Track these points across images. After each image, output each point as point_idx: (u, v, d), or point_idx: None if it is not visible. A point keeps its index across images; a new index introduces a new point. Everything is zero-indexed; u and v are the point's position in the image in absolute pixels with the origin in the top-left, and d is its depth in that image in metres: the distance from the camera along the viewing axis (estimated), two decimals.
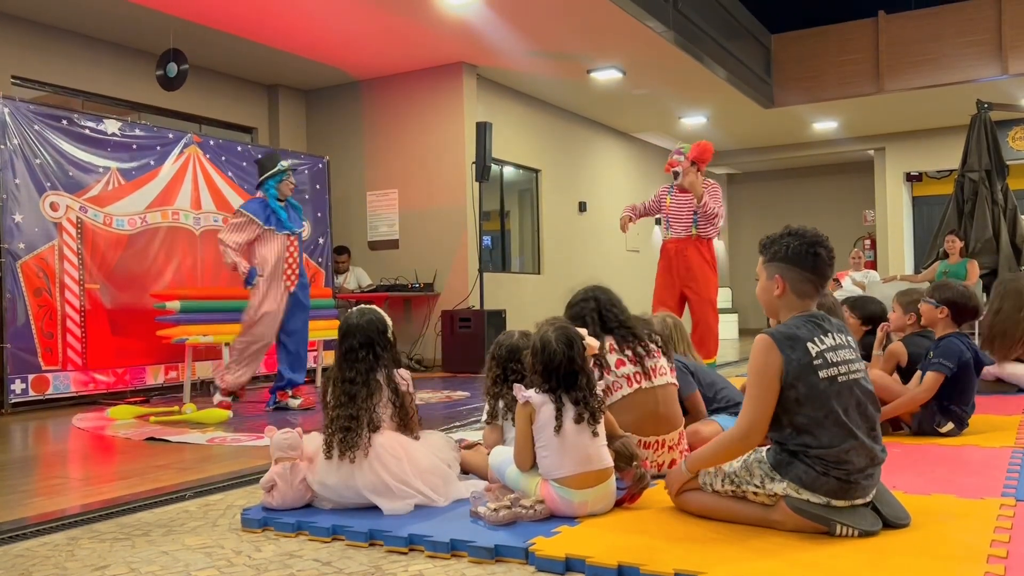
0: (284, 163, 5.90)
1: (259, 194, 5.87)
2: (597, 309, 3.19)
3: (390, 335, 3.05)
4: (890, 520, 2.38)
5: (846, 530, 2.30)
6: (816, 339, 2.37)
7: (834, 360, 2.37)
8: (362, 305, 3.16)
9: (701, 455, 2.52)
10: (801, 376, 2.32)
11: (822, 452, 2.31)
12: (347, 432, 2.83)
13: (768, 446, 2.46)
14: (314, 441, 2.96)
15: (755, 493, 2.42)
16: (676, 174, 6.00)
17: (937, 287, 4.25)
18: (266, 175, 5.82)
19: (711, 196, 5.96)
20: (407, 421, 3.00)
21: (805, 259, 2.43)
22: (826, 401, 2.32)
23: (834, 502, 2.32)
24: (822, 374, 2.33)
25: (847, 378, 2.38)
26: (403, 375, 3.06)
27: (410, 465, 2.83)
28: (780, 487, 2.36)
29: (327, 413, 2.92)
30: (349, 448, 2.80)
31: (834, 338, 2.41)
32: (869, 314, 4.85)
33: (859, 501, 2.36)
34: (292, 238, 5.88)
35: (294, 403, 5.83)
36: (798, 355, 2.33)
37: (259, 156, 6.12)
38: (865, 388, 2.43)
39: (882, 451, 2.41)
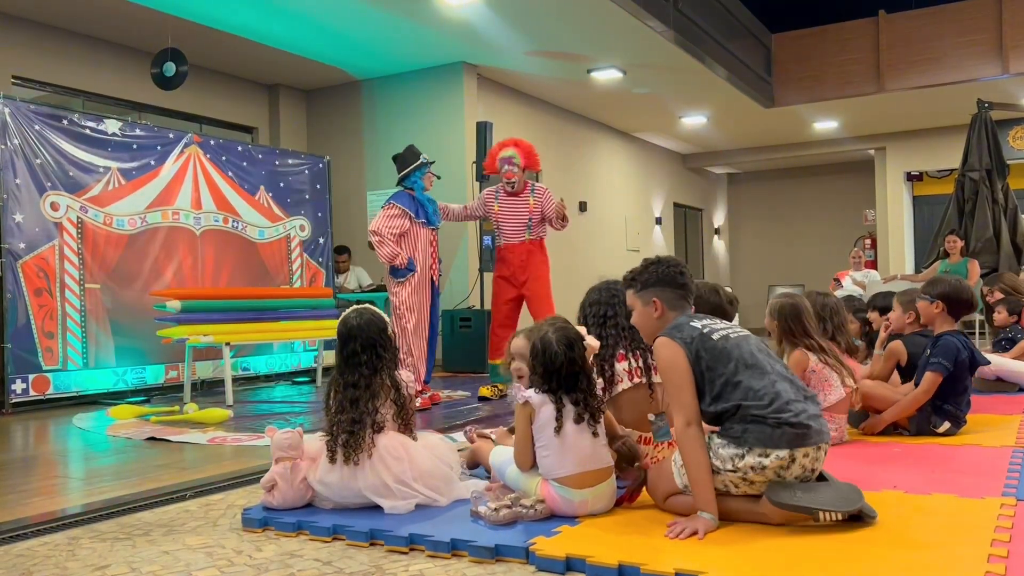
0: (425, 155, 5.86)
1: (403, 188, 5.80)
2: (623, 304, 3.12)
3: (390, 333, 3.02)
4: (863, 512, 2.44)
5: (829, 516, 2.37)
6: (694, 321, 2.64)
7: (717, 327, 2.63)
8: (357, 305, 3.10)
9: (696, 487, 2.44)
10: (700, 346, 2.55)
11: (755, 400, 2.45)
12: (351, 436, 2.80)
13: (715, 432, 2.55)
14: (316, 441, 2.94)
15: (736, 484, 2.46)
16: (512, 184, 6.04)
17: (930, 283, 4.23)
18: (410, 168, 5.77)
19: (546, 199, 6.06)
20: (408, 422, 2.98)
21: (675, 279, 2.74)
22: (730, 352, 2.54)
23: (798, 455, 2.41)
24: (715, 336, 2.58)
25: (737, 335, 2.63)
26: (405, 376, 3.04)
27: (411, 467, 2.82)
28: (751, 459, 2.42)
29: (329, 418, 2.89)
30: (353, 451, 2.79)
31: (704, 319, 2.68)
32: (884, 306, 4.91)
33: (816, 446, 2.45)
34: (435, 232, 5.90)
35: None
36: (688, 333, 2.58)
37: (396, 153, 6.00)
38: (759, 342, 2.67)
39: (803, 386, 2.62)
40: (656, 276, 2.74)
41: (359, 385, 2.88)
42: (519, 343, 2.98)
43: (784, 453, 2.41)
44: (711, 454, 2.48)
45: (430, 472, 2.86)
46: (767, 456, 2.41)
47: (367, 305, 3.09)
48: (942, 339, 3.95)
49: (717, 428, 2.54)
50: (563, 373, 2.66)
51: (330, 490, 2.82)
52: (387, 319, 3.05)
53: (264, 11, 7.42)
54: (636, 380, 3.08)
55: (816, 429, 2.47)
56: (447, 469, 2.93)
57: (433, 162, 6.00)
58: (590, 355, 2.80)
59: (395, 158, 6.04)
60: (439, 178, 6.12)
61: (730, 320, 3.42)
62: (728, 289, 3.70)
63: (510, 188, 6.05)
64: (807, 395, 2.57)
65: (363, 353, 2.91)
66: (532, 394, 2.67)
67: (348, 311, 3.05)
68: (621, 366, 3.09)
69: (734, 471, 2.45)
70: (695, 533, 2.35)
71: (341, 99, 9.84)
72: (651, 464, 2.95)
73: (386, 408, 2.91)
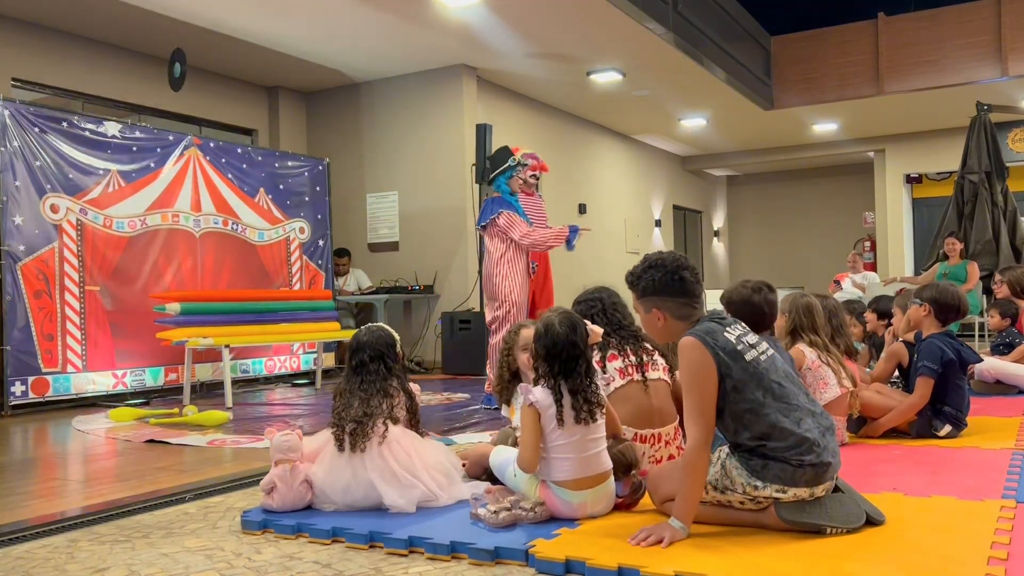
0: (515, 157, 5.83)
1: (494, 193, 5.81)
2: (602, 309, 3.25)
3: (399, 349, 3.12)
4: (871, 517, 2.44)
5: (835, 531, 2.37)
6: (727, 329, 2.47)
7: (750, 342, 2.48)
8: (369, 324, 3.22)
9: (684, 500, 2.39)
10: (731, 364, 2.39)
11: (779, 441, 2.36)
12: (359, 425, 2.86)
13: (727, 445, 2.50)
14: (316, 440, 2.99)
15: (741, 503, 2.44)
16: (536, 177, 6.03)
17: (923, 287, 4.27)
18: (498, 170, 5.79)
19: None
20: (417, 426, 3.07)
21: (674, 287, 2.52)
22: (760, 380, 2.40)
23: (817, 491, 2.39)
24: (747, 356, 2.43)
25: (766, 356, 2.48)
26: (414, 388, 3.14)
27: (419, 458, 2.89)
28: (766, 491, 2.39)
29: (335, 414, 2.95)
30: (360, 439, 2.84)
31: (737, 327, 2.52)
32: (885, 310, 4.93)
33: (831, 484, 2.44)
34: None
35: None
36: (722, 344, 2.41)
37: (489, 156, 6.02)
38: (784, 366, 2.54)
39: (823, 414, 2.50)
40: (654, 284, 2.53)
41: (368, 390, 2.95)
42: (527, 333, 3.05)
43: (804, 492, 2.38)
44: (723, 471, 2.43)
45: (435, 466, 2.92)
46: (785, 492, 2.38)
47: (380, 323, 3.22)
48: (925, 343, 3.98)
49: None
50: (564, 356, 2.66)
51: (335, 481, 2.83)
52: (396, 336, 3.15)
53: (264, 13, 7.42)
54: (629, 377, 3.09)
55: (835, 464, 2.43)
56: (450, 467, 3.00)
57: (518, 164, 5.86)
58: (593, 341, 2.82)
59: (489, 158, 6.04)
60: (536, 180, 6.03)
61: (768, 327, 3.43)
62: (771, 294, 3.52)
63: (535, 182, 6.02)
64: (826, 427, 2.46)
65: (371, 363, 3.01)
66: (538, 393, 2.66)
67: (360, 329, 3.18)
68: (613, 365, 3.10)
69: (744, 494, 2.41)
70: (660, 541, 2.29)
71: (341, 101, 9.84)
72: (650, 469, 2.94)
73: (399, 410, 2.99)
